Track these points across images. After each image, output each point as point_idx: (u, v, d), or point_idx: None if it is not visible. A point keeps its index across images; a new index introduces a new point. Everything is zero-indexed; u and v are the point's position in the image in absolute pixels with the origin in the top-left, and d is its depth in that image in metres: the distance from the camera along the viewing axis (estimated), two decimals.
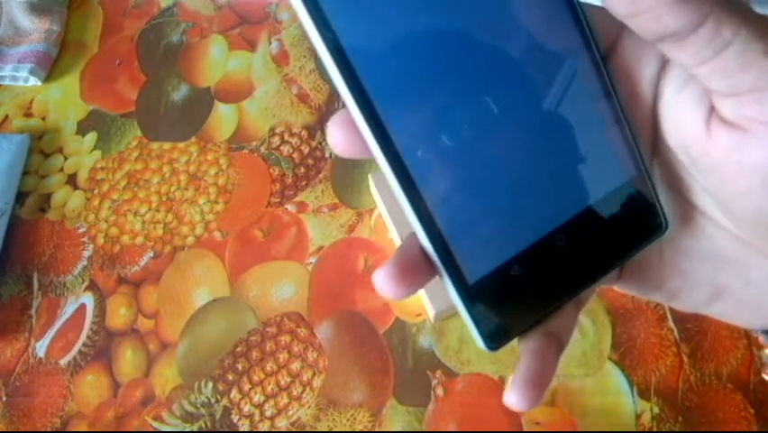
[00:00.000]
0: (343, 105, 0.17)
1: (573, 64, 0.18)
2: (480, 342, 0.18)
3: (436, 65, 0.17)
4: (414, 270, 0.17)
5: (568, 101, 0.18)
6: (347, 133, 0.17)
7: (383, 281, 0.17)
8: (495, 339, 0.18)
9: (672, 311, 0.47)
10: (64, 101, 0.64)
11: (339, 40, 0.15)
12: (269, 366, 0.49)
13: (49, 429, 0.49)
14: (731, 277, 0.20)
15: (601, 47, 0.18)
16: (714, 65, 0.16)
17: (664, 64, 0.18)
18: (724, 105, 0.17)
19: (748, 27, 0.15)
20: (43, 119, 0.63)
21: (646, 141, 0.19)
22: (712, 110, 0.17)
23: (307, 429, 0.47)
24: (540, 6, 0.17)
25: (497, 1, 0.17)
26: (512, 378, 0.18)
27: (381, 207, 0.51)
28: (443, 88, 0.17)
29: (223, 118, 0.60)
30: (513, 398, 0.17)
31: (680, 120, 0.18)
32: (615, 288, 0.22)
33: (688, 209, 0.20)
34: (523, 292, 0.18)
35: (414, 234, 0.18)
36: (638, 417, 0.44)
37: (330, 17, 0.15)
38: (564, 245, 0.18)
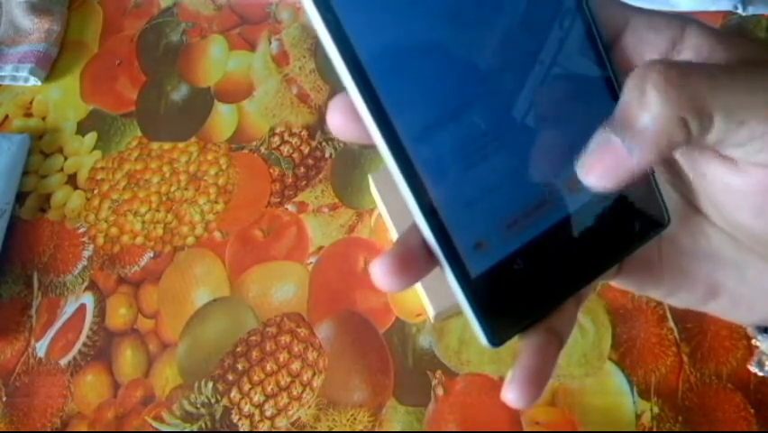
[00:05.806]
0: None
1: (578, 57, 0.18)
2: (482, 338, 0.18)
3: (441, 52, 0.16)
4: (412, 262, 0.17)
5: (572, 94, 0.18)
6: (347, 118, 0.17)
7: (381, 273, 0.17)
8: (498, 335, 0.18)
9: (672, 311, 0.47)
10: (64, 101, 0.64)
11: (340, 22, 0.15)
12: (270, 366, 0.49)
13: (49, 429, 0.49)
14: (726, 276, 0.20)
15: (605, 39, 0.18)
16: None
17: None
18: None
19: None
20: (43, 119, 0.63)
21: None
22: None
23: (307, 429, 0.47)
24: None
25: None
26: (510, 374, 0.17)
27: (381, 207, 0.51)
28: (446, 76, 0.17)
29: (223, 118, 0.60)
30: (512, 395, 0.17)
31: None
32: (613, 283, 0.22)
33: (687, 209, 0.20)
34: (527, 286, 0.18)
35: (414, 227, 0.17)
36: (638, 417, 0.44)
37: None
38: (568, 239, 0.18)
